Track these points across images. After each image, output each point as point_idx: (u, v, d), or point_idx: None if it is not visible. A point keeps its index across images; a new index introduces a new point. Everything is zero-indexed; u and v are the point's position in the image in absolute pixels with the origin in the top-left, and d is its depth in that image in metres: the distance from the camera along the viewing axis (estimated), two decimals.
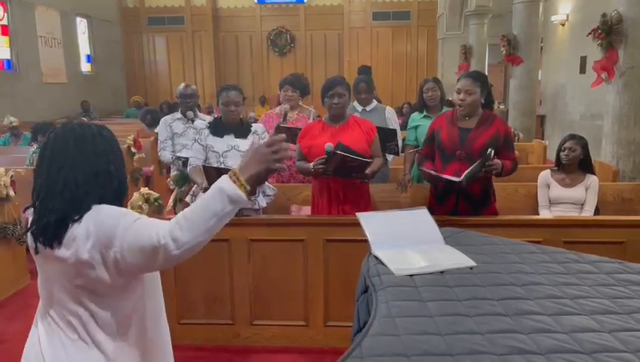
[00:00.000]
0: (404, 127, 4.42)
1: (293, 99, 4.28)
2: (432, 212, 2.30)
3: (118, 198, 1.51)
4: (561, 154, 3.73)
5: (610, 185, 4.09)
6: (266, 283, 3.24)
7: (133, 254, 1.36)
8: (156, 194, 3.16)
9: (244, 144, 3.42)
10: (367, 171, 3.10)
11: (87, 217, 1.40)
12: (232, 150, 3.38)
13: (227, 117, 3.40)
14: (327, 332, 3.25)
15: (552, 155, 4.74)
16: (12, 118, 7.07)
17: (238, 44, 16.25)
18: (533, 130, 8.20)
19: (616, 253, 2.76)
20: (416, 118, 4.11)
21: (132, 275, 1.47)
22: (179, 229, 1.34)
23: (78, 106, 11.85)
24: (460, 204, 3.14)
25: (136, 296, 1.52)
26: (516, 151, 3.33)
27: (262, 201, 3.45)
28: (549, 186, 3.79)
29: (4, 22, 10.94)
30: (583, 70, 9.06)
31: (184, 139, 4.28)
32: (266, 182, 3.20)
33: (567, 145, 3.71)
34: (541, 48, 9.12)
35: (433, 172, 3.11)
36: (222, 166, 3.30)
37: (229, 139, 3.40)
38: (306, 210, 3.60)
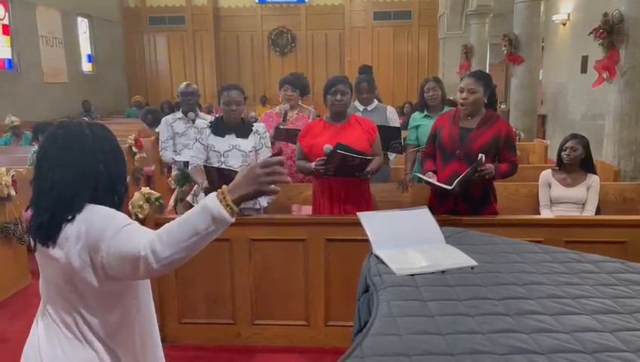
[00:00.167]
0: (405, 126, 4.42)
1: (293, 98, 4.28)
2: (432, 211, 2.30)
3: (113, 198, 1.49)
4: (563, 153, 3.72)
5: (612, 184, 4.09)
6: (267, 282, 3.24)
7: (117, 260, 1.35)
8: (157, 194, 3.16)
9: (245, 144, 3.42)
10: (367, 169, 3.09)
11: (81, 218, 1.40)
12: (233, 150, 3.38)
13: (228, 116, 3.40)
14: (328, 332, 3.25)
15: (553, 155, 4.73)
16: (13, 118, 7.07)
17: (239, 44, 16.25)
18: (534, 130, 8.19)
19: (618, 252, 2.76)
20: (417, 117, 4.11)
21: (120, 281, 1.45)
22: (159, 243, 1.30)
23: (79, 106, 11.86)
24: (459, 205, 3.14)
25: (125, 309, 1.52)
26: (518, 152, 3.32)
27: (263, 201, 3.45)
28: (550, 186, 3.78)
29: (6, 21, 10.95)
30: (584, 70, 9.05)
31: (185, 138, 4.28)
32: None
33: (568, 144, 3.70)
34: (542, 48, 9.10)
35: (425, 178, 3.13)
36: (223, 165, 3.30)
37: (231, 139, 3.40)
38: (307, 210, 3.60)
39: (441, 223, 2.26)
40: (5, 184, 4.17)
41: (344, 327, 2.97)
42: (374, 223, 2.16)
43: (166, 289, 3.24)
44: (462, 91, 3.07)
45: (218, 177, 2.96)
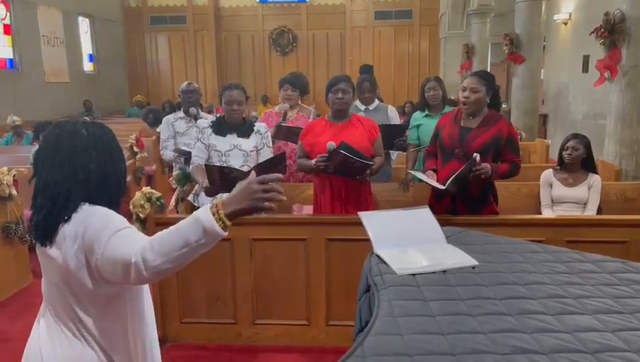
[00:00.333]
0: (406, 126, 4.42)
1: (293, 98, 4.28)
2: (432, 211, 2.29)
3: (108, 198, 1.48)
4: (564, 153, 3.72)
5: (613, 184, 4.08)
6: (268, 282, 3.24)
7: (110, 264, 1.35)
8: (158, 194, 3.16)
9: (246, 143, 3.42)
10: (368, 171, 3.09)
11: (79, 218, 1.40)
12: (235, 149, 3.38)
13: (230, 116, 3.40)
14: (329, 332, 3.25)
15: (554, 154, 4.73)
16: (15, 117, 7.08)
17: (240, 44, 16.26)
18: (535, 130, 8.18)
19: (619, 252, 2.75)
20: (417, 117, 4.11)
21: (115, 284, 1.44)
22: (150, 251, 1.30)
23: (80, 106, 11.87)
24: (457, 204, 3.14)
25: (119, 312, 1.52)
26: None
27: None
28: (551, 185, 3.78)
29: (7, 21, 10.96)
30: (585, 69, 9.04)
31: (186, 138, 4.28)
32: None
33: (569, 144, 3.70)
34: (543, 47, 9.09)
35: (419, 174, 3.14)
36: (224, 165, 3.30)
37: (232, 139, 3.40)
38: (308, 209, 3.60)
39: (442, 223, 2.25)
40: (7, 184, 4.17)
41: (345, 327, 2.97)
42: (375, 223, 2.15)
43: (167, 289, 3.25)
44: (464, 90, 3.07)
45: (219, 176, 2.96)
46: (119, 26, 15.90)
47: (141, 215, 3.06)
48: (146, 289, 1.65)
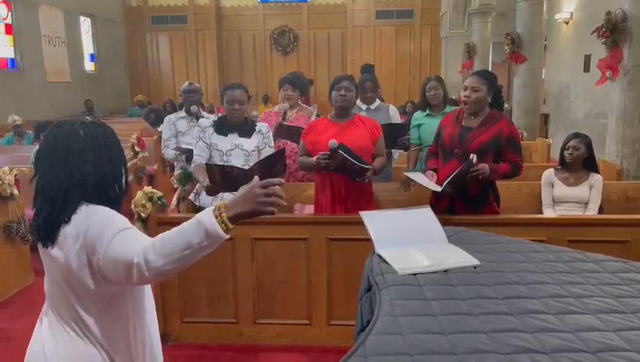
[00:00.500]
0: (408, 125, 4.42)
1: (293, 98, 4.27)
2: (432, 211, 2.29)
3: (107, 198, 1.48)
4: (565, 152, 3.72)
5: (615, 183, 4.08)
6: (270, 281, 3.24)
7: (112, 264, 1.35)
8: (160, 193, 3.17)
9: (248, 143, 3.42)
10: (368, 174, 3.10)
11: (80, 218, 1.40)
12: (236, 149, 3.38)
13: (231, 115, 3.40)
14: (331, 331, 3.25)
15: (555, 154, 4.72)
16: (16, 117, 7.08)
17: (241, 43, 16.26)
18: (536, 129, 8.18)
19: (621, 251, 2.75)
20: (418, 116, 4.11)
21: (117, 284, 1.45)
22: (153, 252, 1.31)
23: (81, 105, 11.88)
24: (455, 203, 3.14)
25: (120, 312, 1.52)
26: None
27: None
28: (552, 185, 3.78)
29: (8, 21, 10.97)
30: (587, 68, 9.03)
31: (188, 137, 4.28)
32: None
33: (571, 143, 3.70)
34: (545, 47, 9.10)
35: (414, 176, 3.15)
36: (225, 164, 3.30)
37: (233, 138, 3.40)
38: (309, 209, 3.60)
39: (443, 223, 2.25)
40: (8, 183, 4.18)
41: (346, 326, 2.97)
42: (377, 222, 2.15)
43: (168, 289, 3.25)
44: (465, 89, 3.07)
45: (220, 175, 2.96)
46: (120, 25, 15.91)
47: (143, 214, 3.06)
48: (147, 289, 1.66)
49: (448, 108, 3.98)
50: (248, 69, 16.31)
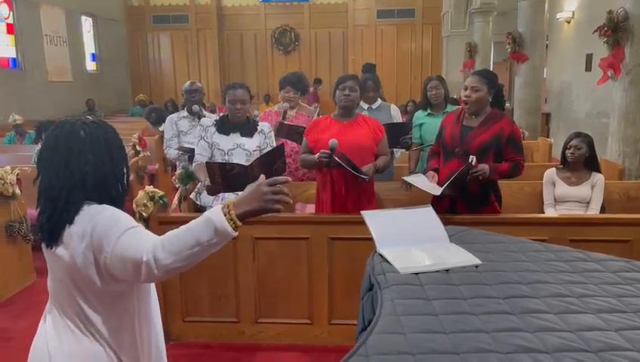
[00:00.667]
0: (410, 124, 4.42)
1: (294, 99, 4.27)
2: (434, 210, 2.29)
3: (108, 197, 1.48)
4: (567, 152, 3.71)
5: (616, 183, 4.07)
6: (271, 281, 3.24)
7: (120, 262, 1.36)
8: (161, 192, 3.17)
9: (249, 143, 3.42)
10: (369, 173, 3.10)
11: (86, 217, 1.41)
12: (238, 148, 3.38)
13: (233, 115, 3.40)
14: (332, 330, 3.25)
15: (557, 153, 4.72)
16: (16, 116, 7.10)
17: (242, 43, 16.26)
18: (538, 128, 8.16)
19: (623, 251, 2.75)
20: (420, 116, 4.11)
21: (123, 282, 1.45)
22: (162, 250, 1.32)
23: (83, 105, 11.89)
24: (456, 203, 3.13)
25: (126, 309, 1.53)
26: None
27: None
28: (554, 184, 3.77)
29: (10, 20, 10.98)
30: (588, 68, 9.01)
31: (190, 137, 4.28)
32: None
33: (572, 143, 3.69)
34: (546, 46, 9.08)
35: (412, 180, 3.18)
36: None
37: (235, 138, 3.40)
38: (311, 208, 3.60)
39: (445, 222, 2.25)
40: (10, 183, 4.18)
41: (348, 326, 2.97)
42: (378, 222, 2.15)
43: (170, 288, 3.25)
44: (465, 89, 3.07)
45: (220, 173, 2.95)
46: (122, 25, 15.91)
47: (144, 214, 3.06)
48: (152, 286, 1.66)
49: (449, 108, 3.99)
50: (249, 68, 16.31)
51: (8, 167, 4.29)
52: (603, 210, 3.66)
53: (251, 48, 16.26)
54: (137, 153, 6.34)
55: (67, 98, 12.34)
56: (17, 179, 4.27)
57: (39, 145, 5.75)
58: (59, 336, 1.49)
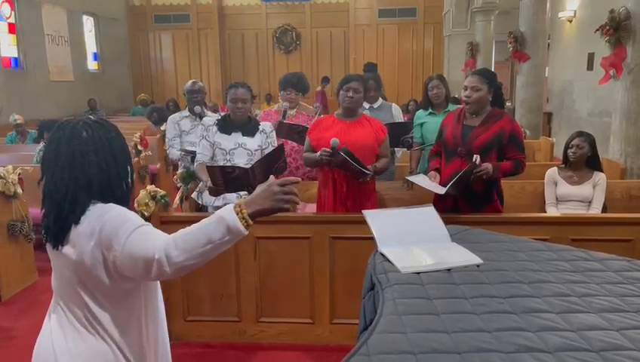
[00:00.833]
0: (411, 123, 4.42)
1: (295, 100, 4.27)
2: (435, 209, 2.29)
3: (115, 197, 1.48)
4: (569, 151, 3.71)
5: (618, 182, 4.07)
6: (272, 280, 3.24)
7: (130, 260, 1.37)
8: (163, 192, 3.17)
9: (251, 142, 3.42)
10: (368, 178, 3.11)
11: (93, 216, 1.41)
12: (239, 148, 3.38)
13: (235, 114, 3.40)
14: (333, 330, 3.25)
15: (559, 153, 4.71)
16: (16, 116, 7.10)
17: (243, 42, 16.27)
18: (540, 128, 8.16)
19: (625, 250, 2.75)
20: (421, 115, 4.11)
21: (131, 280, 1.46)
22: (174, 248, 1.34)
23: (84, 104, 11.91)
24: (459, 202, 3.13)
25: (133, 307, 1.54)
26: None
27: None
28: (556, 184, 3.77)
29: (12, 20, 11.00)
30: (590, 67, 9.00)
31: (192, 136, 4.28)
32: None
33: (574, 142, 3.69)
34: (548, 45, 9.07)
35: (416, 180, 3.17)
36: (228, 164, 3.30)
37: (237, 137, 3.40)
38: (312, 208, 3.60)
39: (446, 221, 2.25)
40: (12, 182, 4.19)
41: (349, 325, 2.97)
42: (379, 221, 2.15)
43: (172, 287, 3.25)
44: (465, 89, 3.08)
45: (221, 176, 2.96)
46: (123, 24, 15.93)
47: (146, 213, 3.06)
48: (159, 285, 1.67)
49: (451, 107, 3.98)
50: (251, 67, 16.33)
51: (10, 167, 4.29)
52: (605, 209, 3.66)
53: (252, 48, 16.27)
54: (139, 153, 6.35)
55: (69, 97, 12.36)
56: (19, 178, 4.28)
57: (41, 145, 5.79)
58: (64, 335, 1.49)
